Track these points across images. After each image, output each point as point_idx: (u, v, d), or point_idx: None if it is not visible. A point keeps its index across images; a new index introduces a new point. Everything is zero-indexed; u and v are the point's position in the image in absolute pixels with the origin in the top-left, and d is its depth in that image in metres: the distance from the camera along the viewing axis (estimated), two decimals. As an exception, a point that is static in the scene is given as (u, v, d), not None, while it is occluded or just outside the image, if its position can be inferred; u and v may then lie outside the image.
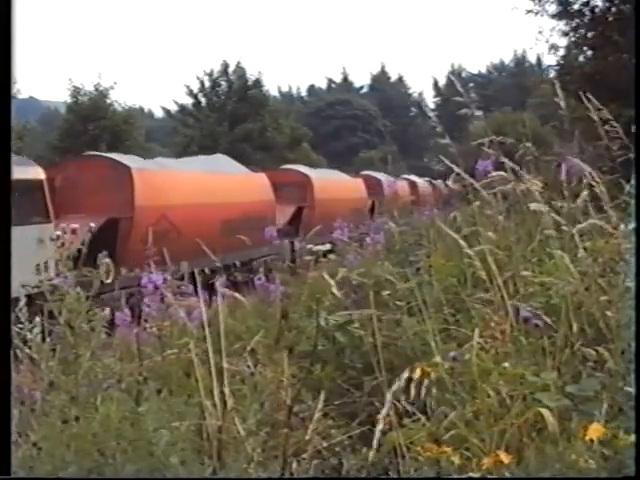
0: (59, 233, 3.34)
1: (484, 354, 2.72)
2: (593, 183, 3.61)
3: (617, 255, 3.19)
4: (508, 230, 4.11)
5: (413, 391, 2.53)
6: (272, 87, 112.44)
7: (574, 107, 4.21)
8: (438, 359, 2.73)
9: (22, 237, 10.38)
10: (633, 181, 3.46)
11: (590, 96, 3.90)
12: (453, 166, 4.10)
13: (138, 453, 2.56)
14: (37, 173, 14.22)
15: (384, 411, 2.37)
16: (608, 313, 2.93)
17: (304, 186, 25.85)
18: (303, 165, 30.02)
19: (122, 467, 2.50)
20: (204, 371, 2.76)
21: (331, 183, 27.62)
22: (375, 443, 2.36)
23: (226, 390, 2.66)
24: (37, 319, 3.15)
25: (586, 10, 17.36)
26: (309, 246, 6.14)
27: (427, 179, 37.16)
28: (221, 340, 2.81)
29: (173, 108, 51.86)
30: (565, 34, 17.79)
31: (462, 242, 3.24)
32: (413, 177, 37.31)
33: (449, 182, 4.53)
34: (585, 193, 3.61)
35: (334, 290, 3.46)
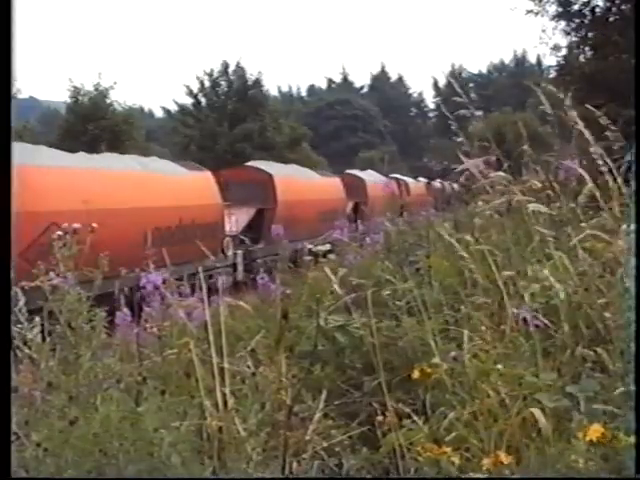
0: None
1: (483, 355, 2.73)
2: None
3: (616, 256, 3.19)
4: (507, 230, 4.11)
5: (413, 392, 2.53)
6: (272, 87, 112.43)
7: (574, 107, 4.21)
8: (437, 360, 2.73)
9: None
10: (632, 182, 3.46)
11: (589, 96, 3.90)
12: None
13: (138, 453, 2.55)
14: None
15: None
16: (606, 314, 2.93)
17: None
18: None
19: (124, 467, 2.50)
20: (204, 371, 2.76)
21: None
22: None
23: (227, 390, 2.66)
24: (37, 319, 3.14)
25: (586, 11, 17.35)
26: (309, 246, 6.12)
27: (394, 175, 34.94)
28: (222, 340, 2.80)
29: (173, 108, 51.82)
30: (567, 34, 17.77)
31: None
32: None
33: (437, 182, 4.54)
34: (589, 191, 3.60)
35: (336, 287, 3.43)
